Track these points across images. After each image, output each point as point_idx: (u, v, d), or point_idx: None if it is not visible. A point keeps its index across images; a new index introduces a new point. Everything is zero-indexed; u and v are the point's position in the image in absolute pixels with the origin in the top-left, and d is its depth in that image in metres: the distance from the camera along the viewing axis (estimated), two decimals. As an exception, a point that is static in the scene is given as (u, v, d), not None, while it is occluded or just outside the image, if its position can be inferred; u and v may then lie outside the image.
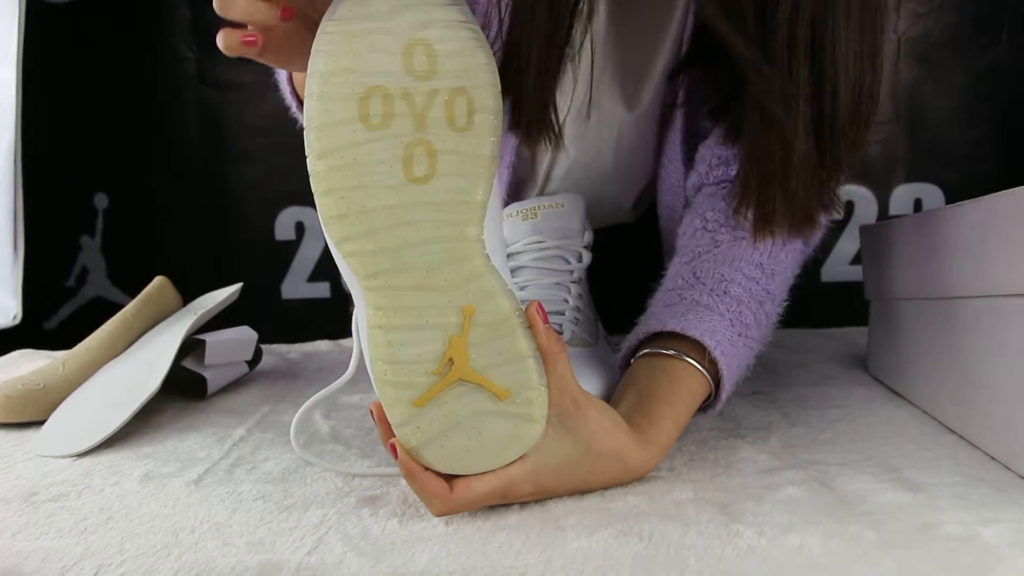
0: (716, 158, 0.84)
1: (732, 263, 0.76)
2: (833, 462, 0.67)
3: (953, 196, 1.60)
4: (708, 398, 0.73)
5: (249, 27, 0.59)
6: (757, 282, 0.76)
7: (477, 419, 0.58)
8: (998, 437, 0.65)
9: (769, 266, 0.77)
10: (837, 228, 1.64)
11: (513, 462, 0.58)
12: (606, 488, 0.63)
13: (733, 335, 0.73)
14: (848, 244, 1.63)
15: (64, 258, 1.64)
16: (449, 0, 0.58)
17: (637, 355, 0.74)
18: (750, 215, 0.74)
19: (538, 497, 0.61)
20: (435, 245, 0.58)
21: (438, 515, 0.59)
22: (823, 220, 0.79)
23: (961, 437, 0.71)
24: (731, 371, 0.72)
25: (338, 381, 0.66)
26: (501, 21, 0.71)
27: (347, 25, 0.56)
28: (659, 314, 0.74)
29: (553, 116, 0.74)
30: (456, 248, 0.58)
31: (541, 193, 0.97)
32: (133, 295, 0.99)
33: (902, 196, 1.63)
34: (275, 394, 0.93)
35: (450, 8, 0.58)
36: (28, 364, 1.07)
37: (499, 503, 0.60)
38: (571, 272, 0.84)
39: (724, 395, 0.73)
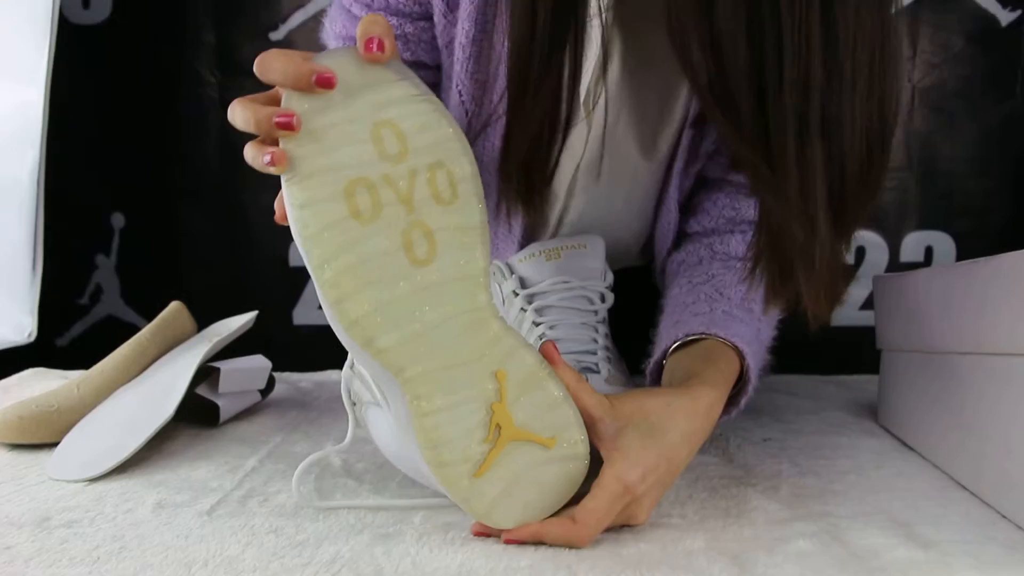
0: (723, 217, 0.89)
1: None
2: (844, 515, 0.67)
3: (964, 245, 1.61)
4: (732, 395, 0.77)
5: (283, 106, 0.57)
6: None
7: (533, 472, 0.61)
8: (1010, 496, 0.65)
9: None
10: (847, 273, 1.64)
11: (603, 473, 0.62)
12: (694, 449, 0.67)
13: (757, 347, 0.78)
14: (858, 290, 1.63)
15: (79, 276, 1.65)
16: (400, 76, 0.59)
17: (669, 355, 0.78)
18: (762, 290, 0.72)
19: (655, 490, 0.64)
20: (453, 321, 0.59)
21: (588, 543, 0.61)
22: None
23: (973, 494, 0.71)
24: (756, 377, 0.77)
25: (339, 446, 0.70)
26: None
27: (309, 122, 0.56)
28: (690, 322, 0.78)
29: (539, 196, 0.76)
30: (473, 319, 0.60)
31: (553, 237, 0.98)
32: (146, 315, 0.99)
33: (913, 243, 1.63)
34: (287, 424, 0.93)
35: (403, 83, 0.58)
36: (41, 384, 1.07)
37: (622, 506, 0.61)
38: (596, 312, 0.85)
39: (748, 393, 0.78)
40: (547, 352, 0.63)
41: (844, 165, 0.61)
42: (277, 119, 0.55)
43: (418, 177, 0.58)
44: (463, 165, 0.59)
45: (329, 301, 0.57)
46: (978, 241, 1.58)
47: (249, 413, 0.97)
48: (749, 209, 0.87)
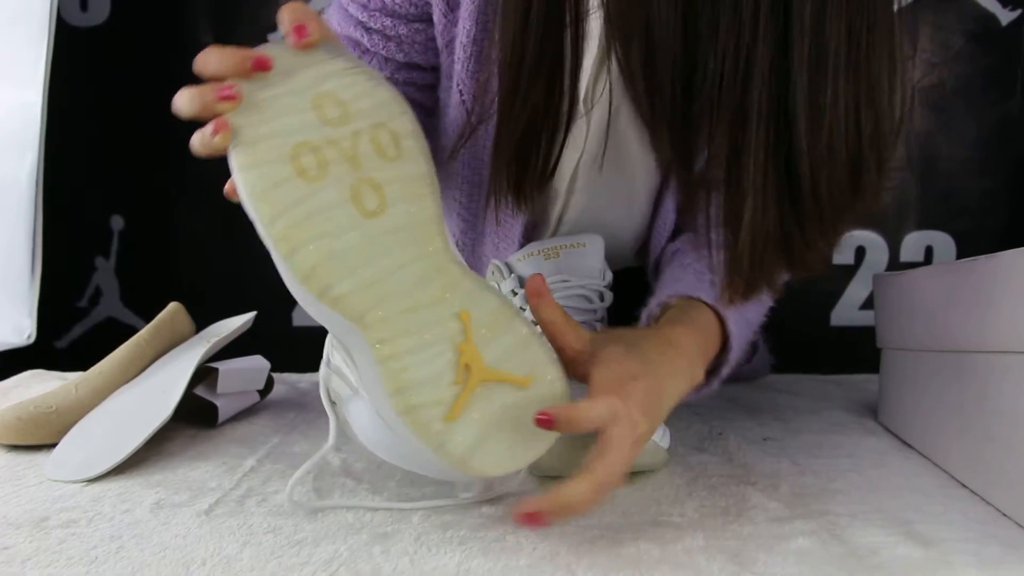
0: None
1: None
2: (843, 513, 0.66)
3: (964, 244, 1.61)
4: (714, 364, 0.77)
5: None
6: None
7: (511, 411, 0.59)
8: (1011, 494, 0.65)
9: None
10: (847, 273, 1.64)
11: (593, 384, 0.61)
12: (677, 377, 0.67)
13: (740, 320, 0.78)
14: (858, 289, 1.63)
15: (78, 278, 1.65)
16: (333, 54, 0.61)
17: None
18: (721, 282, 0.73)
19: (649, 397, 0.62)
20: (410, 267, 0.60)
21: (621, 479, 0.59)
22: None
23: (973, 492, 0.71)
24: (738, 347, 0.78)
25: (322, 450, 0.70)
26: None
27: (251, 98, 0.58)
28: (674, 287, 0.80)
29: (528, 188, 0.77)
30: (430, 264, 0.60)
31: (553, 236, 0.98)
32: (145, 317, 0.99)
33: (913, 243, 1.63)
34: (286, 424, 0.93)
35: (338, 60, 0.61)
36: (39, 386, 1.07)
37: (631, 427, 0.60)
38: (595, 311, 0.85)
39: (729, 363, 0.77)
40: (535, 286, 0.64)
41: (809, 154, 0.61)
42: (219, 92, 0.57)
43: (361, 137, 0.60)
44: (404, 123, 0.61)
45: (282, 255, 0.57)
46: (978, 241, 1.58)
47: (248, 413, 0.97)
48: None
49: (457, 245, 1.00)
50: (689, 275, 0.83)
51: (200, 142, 0.58)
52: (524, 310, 0.84)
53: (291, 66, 0.59)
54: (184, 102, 0.58)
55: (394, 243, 0.59)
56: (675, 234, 0.94)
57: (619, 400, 0.59)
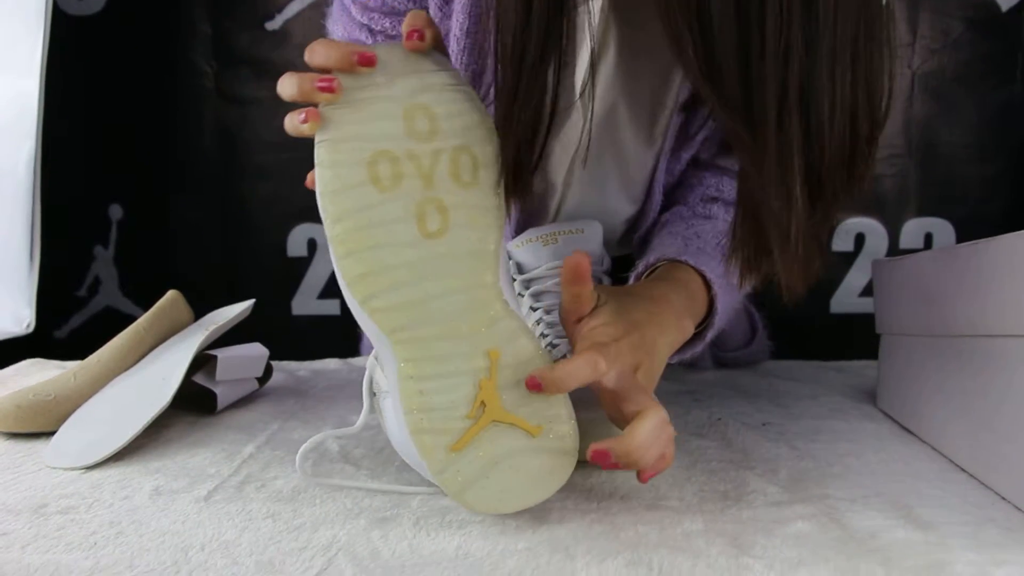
0: (706, 194, 0.92)
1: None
2: (843, 497, 0.66)
3: (963, 231, 1.61)
4: (698, 328, 0.80)
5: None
6: None
7: (514, 458, 0.60)
8: (1009, 477, 0.65)
9: None
10: (847, 260, 1.64)
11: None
12: (665, 332, 0.70)
13: (726, 284, 0.80)
14: (858, 276, 1.63)
15: (77, 268, 1.65)
16: (439, 66, 0.62)
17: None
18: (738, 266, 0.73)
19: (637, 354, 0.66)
20: (455, 295, 0.60)
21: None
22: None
23: (972, 476, 0.71)
24: (723, 309, 0.80)
25: (347, 429, 0.70)
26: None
27: (349, 95, 0.60)
28: (661, 250, 0.82)
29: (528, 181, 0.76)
30: (475, 296, 0.61)
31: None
32: (144, 307, 0.99)
33: (912, 230, 1.63)
34: (284, 411, 0.93)
35: (442, 73, 0.62)
36: (38, 374, 1.07)
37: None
38: None
39: (715, 325, 0.80)
40: (576, 264, 0.64)
41: (823, 140, 0.61)
42: (319, 83, 0.59)
43: (441, 156, 0.61)
44: (487, 151, 0.62)
45: (337, 255, 0.59)
46: (978, 227, 1.58)
47: (247, 401, 0.97)
48: (732, 191, 0.89)
49: None
50: (677, 241, 0.84)
51: (291, 124, 0.61)
52: (521, 295, 0.84)
53: (395, 70, 0.61)
54: (285, 85, 0.61)
55: (446, 268, 0.60)
56: (661, 211, 0.96)
57: (598, 353, 0.61)
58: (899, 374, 0.89)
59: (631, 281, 0.83)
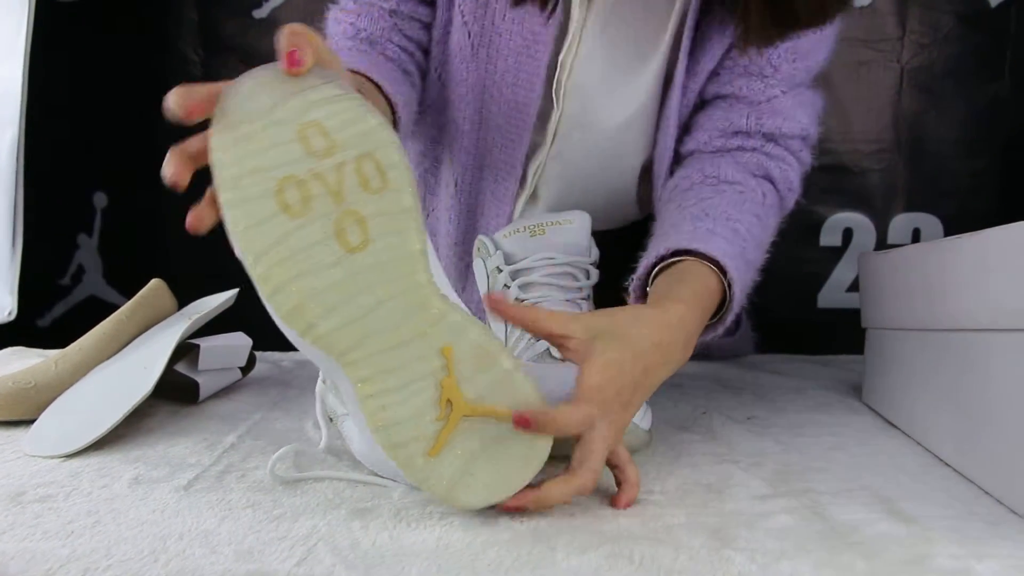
0: (716, 129, 0.93)
1: (738, 207, 0.85)
2: (826, 491, 0.66)
3: (951, 227, 1.61)
4: (718, 311, 0.79)
5: None
6: (756, 228, 0.85)
7: (492, 447, 0.60)
8: (992, 471, 0.65)
9: (763, 217, 0.87)
10: (835, 256, 1.64)
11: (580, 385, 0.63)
12: (669, 360, 0.69)
13: (741, 264, 0.79)
14: (845, 271, 1.63)
15: (60, 256, 1.64)
16: (322, 79, 0.60)
17: (652, 277, 0.80)
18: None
19: (637, 394, 0.66)
20: (392, 303, 0.59)
21: (596, 480, 0.62)
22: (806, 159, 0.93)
23: (955, 470, 0.71)
24: (741, 292, 0.79)
25: (312, 448, 0.71)
26: None
27: (236, 130, 0.58)
28: (673, 237, 0.80)
29: None
30: (412, 299, 0.60)
31: (534, 193, 1.02)
32: (128, 296, 0.98)
33: (900, 225, 1.63)
34: (267, 402, 0.92)
35: (326, 86, 0.60)
36: (20, 362, 1.06)
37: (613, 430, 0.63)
38: (580, 289, 0.84)
39: (734, 310, 0.79)
40: (494, 303, 0.65)
41: None
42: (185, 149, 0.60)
43: (345, 168, 0.59)
44: (390, 153, 0.60)
45: (265, 295, 0.58)
46: (966, 223, 1.56)
47: (229, 391, 0.96)
48: (741, 119, 0.91)
49: (455, 185, 1.02)
50: (686, 222, 0.83)
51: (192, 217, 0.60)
52: (508, 287, 0.84)
53: (279, 94, 0.58)
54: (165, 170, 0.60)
55: (376, 279, 0.59)
56: (672, 168, 0.97)
57: (597, 409, 0.62)
58: (884, 368, 0.89)
59: (634, 283, 0.82)
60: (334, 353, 0.58)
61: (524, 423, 0.59)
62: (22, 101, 1.33)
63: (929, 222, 1.62)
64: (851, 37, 1.57)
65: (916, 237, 1.64)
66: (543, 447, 0.61)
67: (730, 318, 0.80)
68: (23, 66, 1.33)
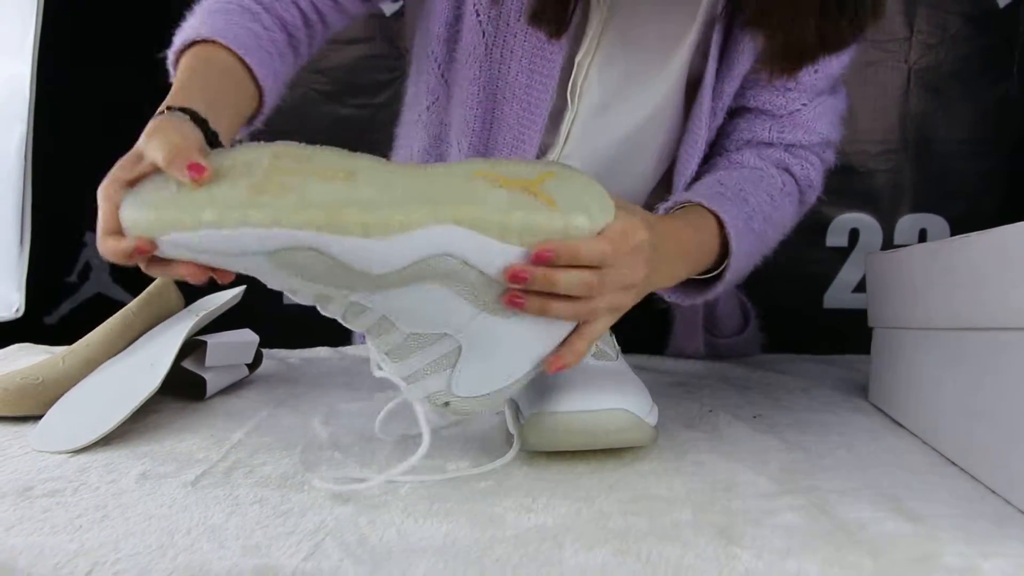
0: (741, 140, 0.96)
1: (752, 183, 0.89)
2: (832, 489, 0.66)
3: (958, 227, 1.61)
4: (712, 272, 0.84)
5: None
6: (767, 205, 0.88)
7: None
8: (999, 470, 0.65)
9: (777, 199, 0.90)
10: (841, 256, 1.64)
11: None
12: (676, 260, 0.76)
13: (745, 228, 0.83)
14: (852, 271, 1.63)
15: (68, 253, 1.64)
16: None
17: None
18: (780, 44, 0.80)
19: (654, 261, 0.69)
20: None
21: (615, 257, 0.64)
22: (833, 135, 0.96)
23: (962, 469, 0.71)
24: (739, 253, 0.82)
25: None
26: None
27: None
28: (681, 196, 0.85)
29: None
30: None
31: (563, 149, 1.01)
32: (135, 293, 0.98)
33: (907, 226, 1.63)
34: (274, 399, 0.92)
35: None
36: (26, 359, 1.06)
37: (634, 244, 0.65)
38: None
39: (730, 271, 0.82)
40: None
41: None
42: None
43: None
44: None
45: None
46: (973, 224, 1.56)
47: (236, 387, 0.96)
48: (764, 132, 0.94)
49: None
50: (702, 187, 0.87)
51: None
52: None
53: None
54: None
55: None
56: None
57: (612, 252, 0.63)
58: (891, 367, 0.89)
59: None
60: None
61: (543, 256, 0.60)
62: (30, 98, 1.33)
63: (936, 223, 1.62)
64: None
65: (923, 238, 1.63)
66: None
67: (728, 276, 0.83)
68: (32, 63, 1.33)
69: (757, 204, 0.86)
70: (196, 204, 0.57)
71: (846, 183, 1.61)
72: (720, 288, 0.85)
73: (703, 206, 0.82)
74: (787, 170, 0.94)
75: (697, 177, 0.95)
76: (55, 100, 1.44)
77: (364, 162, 0.62)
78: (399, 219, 0.57)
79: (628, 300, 0.68)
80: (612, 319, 0.68)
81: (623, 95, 0.94)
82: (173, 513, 0.61)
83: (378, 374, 0.69)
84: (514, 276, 0.60)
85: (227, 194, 0.57)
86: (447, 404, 0.68)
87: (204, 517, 0.60)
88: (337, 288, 0.61)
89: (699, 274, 0.84)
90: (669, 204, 0.85)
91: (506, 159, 0.67)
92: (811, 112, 0.94)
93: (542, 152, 0.98)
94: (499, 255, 0.60)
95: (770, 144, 0.94)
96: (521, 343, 0.66)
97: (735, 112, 0.96)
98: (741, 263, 0.84)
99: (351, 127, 1.59)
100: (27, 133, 1.35)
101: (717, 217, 0.81)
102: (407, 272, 0.59)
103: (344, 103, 1.61)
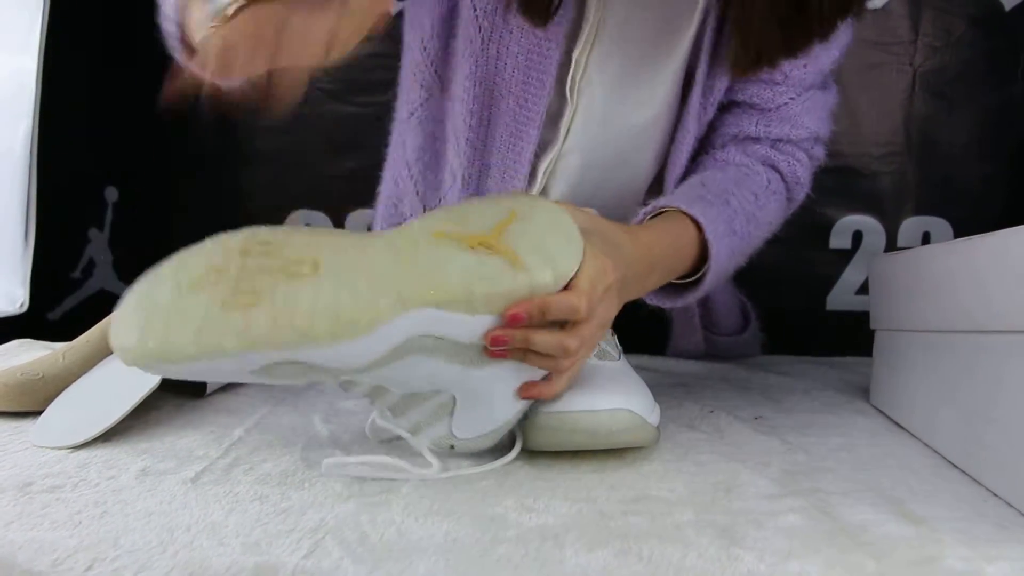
0: (728, 135, 0.97)
1: (735, 183, 0.90)
2: (834, 491, 0.66)
3: (961, 230, 1.60)
4: (691, 276, 0.85)
5: None
6: (750, 204, 0.89)
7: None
8: (1002, 473, 0.65)
9: (762, 197, 0.91)
10: (844, 258, 1.63)
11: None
12: (648, 273, 0.77)
13: (726, 231, 0.84)
14: (854, 274, 1.63)
15: (72, 249, 1.64)
16: None
17: None
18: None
19: (625, 289, 0.72)
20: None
21: (585, 312, 0.64)
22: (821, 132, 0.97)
23: (964, 472, 0.70)
24: (719, 257, 0.83)
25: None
26: None
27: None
28: (661, 201, 0.86)
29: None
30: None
31: (544, 191, 1.01)
32: (138, 290, 0.98)
33: (910, 228, 1.63)
34: (274, 396, 0.92)
35: None
36: (27, 354, 1.06)
37: (603, 288, 0.66)
38: None
39: (710, 274, 0.83)
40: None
41: None
42: None
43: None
44: None
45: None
46: (976, 227, 1.55)
47: (236, 385, 0.96)
48: (751, 126, 0.94)
49: (462, 180, 1.02)
50: (683, 190, 0.88)
51: None
52: None
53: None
54: None
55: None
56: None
57: (586, 305, 0.64)
58: (893, 369, 0.88)
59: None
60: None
61: (515, 319, 0.61)
62: (36, 94, 1.33)
63: (939, 225, 1.61)
64: (863, 39, 1.56)
65: (926, 240, 1.63)
66: None
67: (708, 280, 0.84)
68: (38, 60, 1.33)
69: (740, 204, 0.87)
70: (175, 335, 0.57)
71: (849, 185, 1.60)
72: (700, 291, 0.86)
73: (681, 211, 0.82)
74: (773, 167, 0.95)
75: (684, 175, 0.96)
76: (61, 96, 1.44)
77: (328, 246, 0.61)
78: (366, 320, 0.57)
79: (601, 333, 0.69)
80: (588, 353, 0.70)
81: (623, 91, 0.94)
82: (173, 510, 0.60)
83: (381, 423, 0.71)
84: (495, 340, 0.62)
85: (201, 318, 0.57)
86: (452, 447, 0.71)
87: (204, 514, 0.60)
88: (327, 376, 0.62)
89: (679, 278, 0.85)
90: (648, 209, 0.86)
91: (469, 201, 0.67)
92: (799, 106, 0.94)
93: (541, 149, 0.98)
94: (472, 325, 0.62)
95: (756, 139, 0.95)
96: (507, 387, 0.69)
97: (724, 107, 0.97)
98: (722, 266, 0.85)
99: (356, 125, 1.59)
100: (32, 129, 1.35)
101: (696, 222, 0.82)
102: (387, 356, 0.61)
103: (349, 101, 1.60)
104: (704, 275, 0.84)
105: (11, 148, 1.34)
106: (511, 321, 0.61)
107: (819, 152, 0.98)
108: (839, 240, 1.63)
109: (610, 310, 0.69)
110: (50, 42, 1.34)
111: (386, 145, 1.14)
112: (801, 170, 0.96)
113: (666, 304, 0.89)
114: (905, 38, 1.58)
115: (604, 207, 0.93)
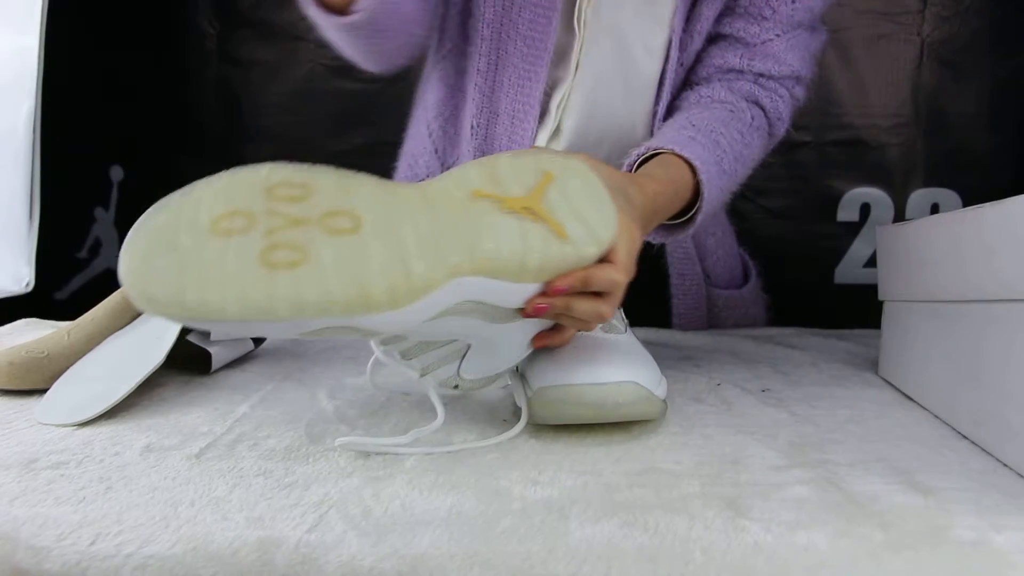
0: (713, 66, 0.99)
1: (723, 124, 0.92)
2: (842, 462, 0.66)
3: (970, 202, 1.59)
4: (686, 212, 0.87)
5: None
6: (738, 144, 0.91)
7: None
8: (1011, 444, 0.64)
9: (747, 136, 0.94)
10: (852, 231, 1.63)
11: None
12: (648, 216, 0.78)
13: (717, 172, 0.87)
14: (862, 247, 1.62)
15: (78, 229, 1.64)
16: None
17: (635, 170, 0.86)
18: None
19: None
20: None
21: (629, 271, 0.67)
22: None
23: (973, 443, 0.70)
24: (711, 197, 0.86)
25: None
26: None
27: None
28: (654, 142, 0.87)
29: None
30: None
31: (557, 127, 1.03)
32: (143, 268, 0.98)
33: (919, 200, 1.62)
34: (279, 372, 0.92)
35: None
36: (33, 333, 1.06)
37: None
38: None
39: (701, 214, 0.86)
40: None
41: None
42: None
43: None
44: None
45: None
46: (985, 198, 1.55)
47: (242, 361, 0.96)
48: (735, 59, 0.97)
49: (472, 128, 1.03)
50: (672, 130, 0.90)
51: None
52: None
53: None
54: None
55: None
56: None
57: (625, 275, 0.66)
58: (901, 341, 0.88)
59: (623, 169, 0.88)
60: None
61: (560, 290, 0.63)
62: (39, 72, 1.33)
63: (948, 197, 1.60)
64: (871, 10, 1.55)
65: (935, 212, 1.62)
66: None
67: (699, 218, 0.86)
68: (40, 38, 1.33)
69: (728, 144, 0.89)
70: (214, 292, 0.53)
71: (857, 157, 1.59)
72: (691, 230, 0.88)
73: (675, 153, 0.84)
74: (756, 102, 0.97)
75: (670, 110, 1.00)
76: (64, 75, 1.43)
77: (363, 197, 0.59)
78: (422, 288, 0.57)
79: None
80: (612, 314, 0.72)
81: (630, 20, 0.97)
82: (177, 485, 0.60)
83: (385, 360, 0.71)
84: (537, 309, 0.63)
85: (241, 275, 0.53)
86: (456, 387, 0.73)
87: (208, 489, 0.60)
88: (366, 335, 0.63)
89: (671, 217, 0.88)
90: (641, 151, 0.87)
91: (497, 157, 0.66)
92: (783, 43, 0.96)
93: (551, 88, 1.00)
94: (515, 292, 0.62)
95: (740, 72, 0.98)
96: (524, 337, 0.70)
97: (711, 39, 0.99)
98: (712, 205, 0.88)
99: (359, 101, 1.58)
100: (35, 108, 1.35)
101: (690, 164, 0.84)
102: (429, 319, 0.61)
103: (352, 77, 1.60)
104: (695, 214, 0.87)
105: (14, 128, 1.34)
106: (556, 291, 0.63)
107: (800, 92, 1.01)
108: (847, 213, 1.63)
109: (634, 269, 0.70)
110: (52, 21, 1.33)
111: (406, 116, 1.15)
112: (783, 106, 0.99)
113: (656, 239, 0.92)
114: (913, 8, 1.57)
115: (613, 139, 1.00)
